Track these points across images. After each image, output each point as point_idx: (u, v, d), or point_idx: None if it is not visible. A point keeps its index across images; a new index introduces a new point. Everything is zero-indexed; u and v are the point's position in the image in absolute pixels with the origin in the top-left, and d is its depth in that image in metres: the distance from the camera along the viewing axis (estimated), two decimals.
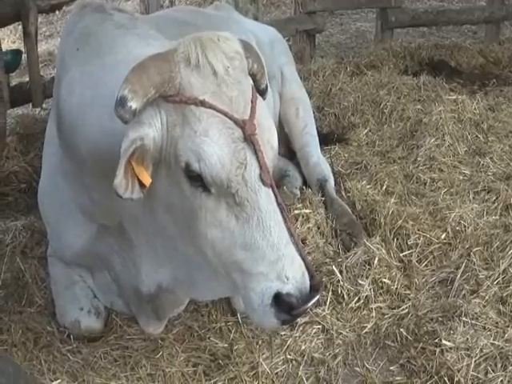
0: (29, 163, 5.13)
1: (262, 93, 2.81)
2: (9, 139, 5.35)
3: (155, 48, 2.77)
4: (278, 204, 2.55)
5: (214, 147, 2.44)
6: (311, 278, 2.56)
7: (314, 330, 3.57)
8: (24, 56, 6.31)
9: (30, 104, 6.35)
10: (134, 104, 2.39)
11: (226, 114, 2.48)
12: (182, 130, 2.48)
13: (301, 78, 5.47)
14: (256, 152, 2.50)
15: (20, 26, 6.95)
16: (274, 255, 2.48)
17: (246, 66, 2.64)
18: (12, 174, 5.04)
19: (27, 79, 6.27)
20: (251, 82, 2.67)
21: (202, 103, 2.46)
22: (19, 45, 7.87)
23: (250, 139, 2.49)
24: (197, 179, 2.49)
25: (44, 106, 6.36)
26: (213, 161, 2.43)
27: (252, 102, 2.58)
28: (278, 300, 2.48)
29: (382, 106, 6.24)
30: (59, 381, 3.23)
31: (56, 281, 3.73)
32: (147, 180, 2.51)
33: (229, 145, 2.46)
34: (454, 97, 6.26)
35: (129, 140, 2.45)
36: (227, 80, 2.52)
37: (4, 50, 5.97)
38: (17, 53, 6.48)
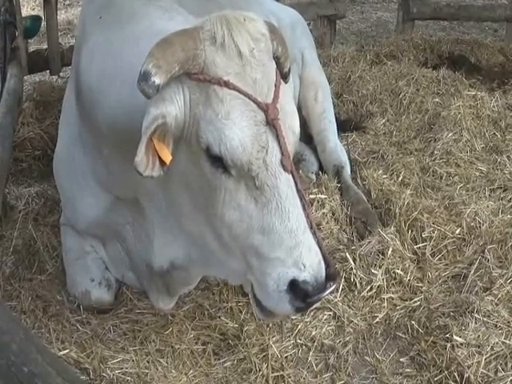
0: (44, 130, 5.08)
1: (285, 76, 2.76)
2: (25, 105, 5.32)
3: (179, 23, 2.75)
4: (298, 191, 2.53)
5: (236, 130, 2.41)
6: (327, 266, 2.54)
7: (325, 317, 3.56)
8: (43, 24, 6.27)
9: (48, 71, 6.31)
10: (157, 79, 2.36)
11: (249, 97, 2.45)
12: (204, 110, 2.46)
13: (320, 63, 5.40)
14: (278, 137, 2.47)
15: None
16: (292, 241, 2.46)
17: (271, 48, 2.61)
18: (27, 140, 5.00)
19: (46, 46, 6.23)
20: (275, 65, 2.63)
21: (226, 84, 2.43)
22: (39, 12, 7.81)
23: (272, 123, 2.46)
24: (217, 160, 2.46)
25: (61, 74, 6.34)
26: (234, 144, 2.40)
27: (276, 85, 2.55)
28: (294, 287, 2.45)
29: (400, 96, 6.17)
30: (67, 351, 3.22)
31: (68, 250, 3.72)
32: (168, 157, 2.48)
33: (251, 127, 2.43)
34: (473, 93, 6.19)
35: (151, 117, 2.42)
36: (252, 62, 2.48)
37: (23, 16, 5.91)
38: (36, 19, 6.41)
